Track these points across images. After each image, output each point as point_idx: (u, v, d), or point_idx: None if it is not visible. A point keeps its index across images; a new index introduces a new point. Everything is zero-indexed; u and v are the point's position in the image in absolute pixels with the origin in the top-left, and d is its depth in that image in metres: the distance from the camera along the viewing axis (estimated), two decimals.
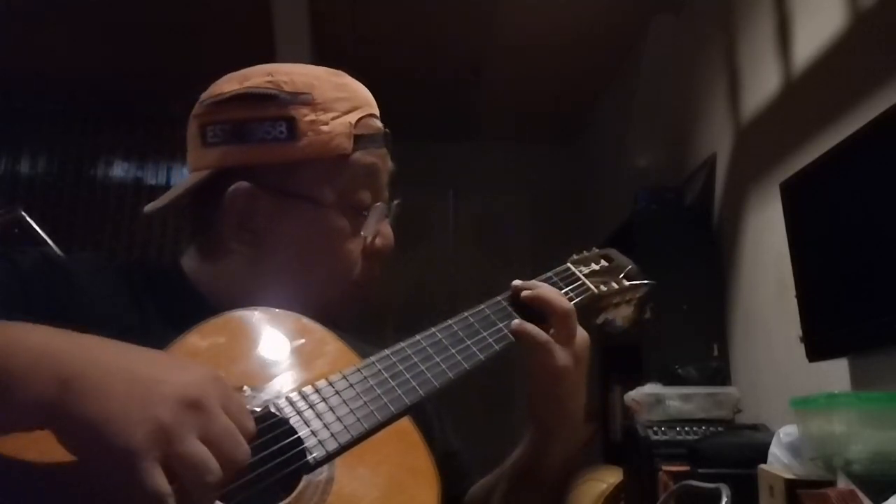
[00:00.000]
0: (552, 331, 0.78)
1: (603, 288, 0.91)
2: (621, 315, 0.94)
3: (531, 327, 0.77)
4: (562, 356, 0.76)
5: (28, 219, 2.44)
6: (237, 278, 0.79)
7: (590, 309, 0.91)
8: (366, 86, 0.84)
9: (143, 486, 0.46)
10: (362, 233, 0.80)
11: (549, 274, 0.89)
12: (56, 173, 3.91)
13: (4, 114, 3.78)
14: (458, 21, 3.15)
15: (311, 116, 0.76)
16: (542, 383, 0.78)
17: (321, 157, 0.76)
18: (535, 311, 0.80)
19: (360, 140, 0.78)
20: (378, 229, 0.82)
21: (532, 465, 0.81)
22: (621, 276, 0.93)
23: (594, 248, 0.97)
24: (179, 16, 3.07)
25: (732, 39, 2.47)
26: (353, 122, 0.78)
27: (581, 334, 0.80)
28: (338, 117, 0.77)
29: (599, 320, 0.94)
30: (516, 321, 0.78)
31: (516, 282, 0.83)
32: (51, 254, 0.76)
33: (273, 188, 0.76)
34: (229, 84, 0.78)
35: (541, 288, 0.80)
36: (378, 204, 0.81)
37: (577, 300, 0.86)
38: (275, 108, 0.75)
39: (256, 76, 0.78)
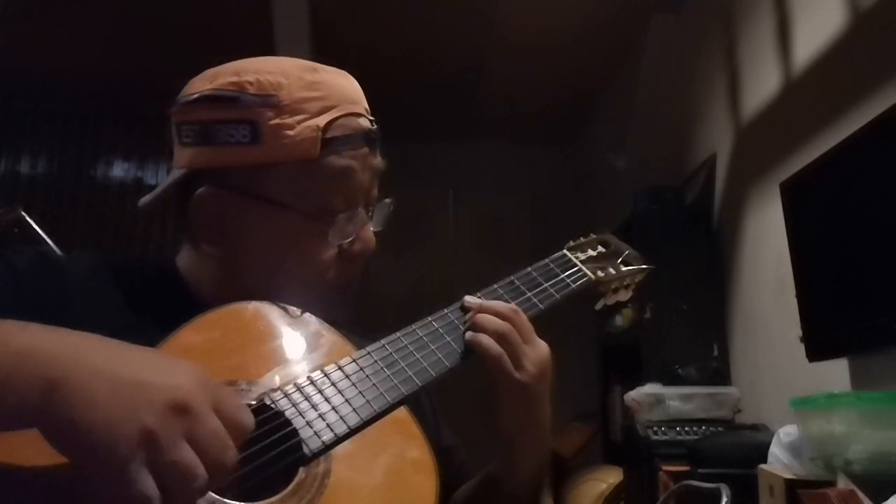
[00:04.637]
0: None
1: (601, 273, 0.91)
2: (619, 299, 0.94)
3: (484, 339, 0.75)
4: (518, 369, 0.75)
5: (28, 219, 2.43)
6: (214, 279, 0.78)
7: (588, 295, 0.91)
8: (366, 86, 0.81)
9: (129, 492, 0.46)
10: (330, 239, 0.76)
11: (545, 261, 0.89)
12: (56, 173, 3.91)
13: (4, 114, 3.79)
14: (458, 21, 3.15)
15: (276, 120, 0.73)
16: (500, 397, 0.76)
17: (286, 160, 0.73)
18: None
19: (331, 143, 0.74)
20: (355, 233, 0.78)
21: (500, 480, 0.80)
22: (619, 261, 0.93)
23: (591, 234, 0.97)
24: (179, 16, 3.07)
25: (732, 39, 2.47)
26: (323, 124, 0.74)
27: (540, 348, 0.77)
28: (306, 119, 0.73)
29: (598, 306, 0.94)
30: (469, 333, 0.76)
31: (467, 298, 0.80)
32: (46, 252, 0.76)
33: (238, 191, 0.75)
34: (200, 83, 0.77)
35: (479, 314, 0.77)
36: (358, 209, 0.78)
37: (574, 286, 0.86)
38: (237, 110, 0.73)
39: (224, 76, 0.76)
